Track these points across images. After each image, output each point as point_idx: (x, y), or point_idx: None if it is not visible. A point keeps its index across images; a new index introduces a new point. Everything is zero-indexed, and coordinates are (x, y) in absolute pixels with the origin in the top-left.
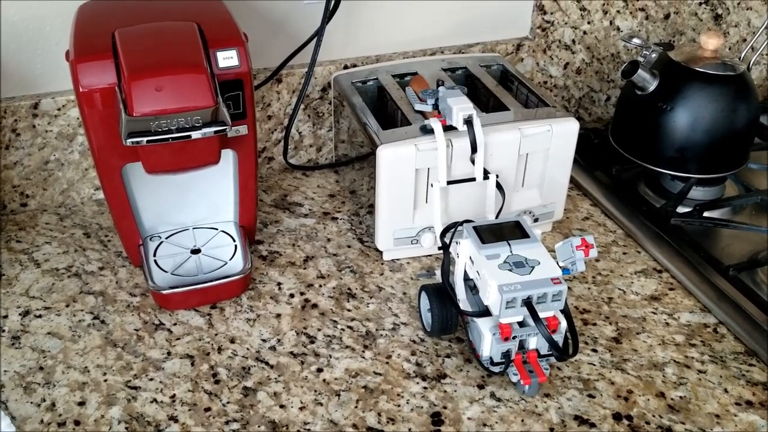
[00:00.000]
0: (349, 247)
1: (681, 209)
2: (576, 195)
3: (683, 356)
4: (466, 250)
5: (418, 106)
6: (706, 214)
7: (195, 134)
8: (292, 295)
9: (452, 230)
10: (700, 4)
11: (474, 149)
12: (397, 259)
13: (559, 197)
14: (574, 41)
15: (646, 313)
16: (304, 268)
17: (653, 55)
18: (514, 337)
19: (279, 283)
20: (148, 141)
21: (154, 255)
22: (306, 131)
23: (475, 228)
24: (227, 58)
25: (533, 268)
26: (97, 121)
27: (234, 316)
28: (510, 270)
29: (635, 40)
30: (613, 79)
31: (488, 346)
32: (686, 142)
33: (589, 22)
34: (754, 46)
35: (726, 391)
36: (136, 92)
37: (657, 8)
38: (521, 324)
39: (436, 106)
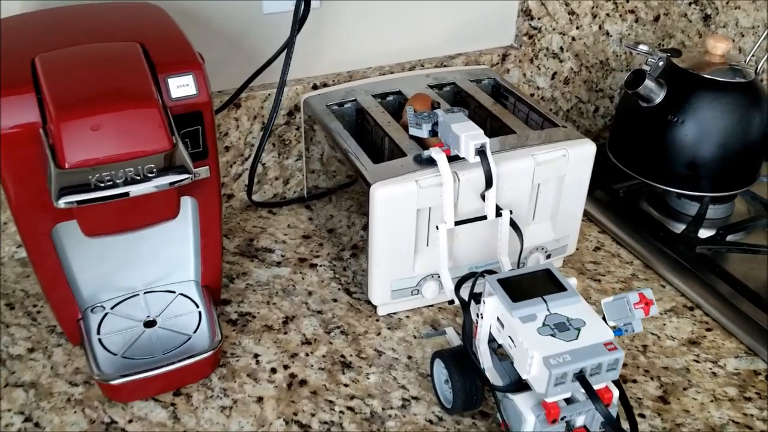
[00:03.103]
0: (335, 300)
1: (702, 233)
2: (582, 221)
3: (741, 414)
4: (493, 310)
5: (413, 131)
6: (729, 237)
7: (148, 188)
8: (273, 370)
9: (470, 282)
10: (690, 4)
11: (489, 184)
12: (395, 313)
13: (573, 230)
14: (562, 48)
15: (689, 362)
16: (285, 333)
17: (660, 63)
18: (562, 418)
19: (256, 355)
20: (82, 202)
21: (98, 332)
22: (270, 162)
23: (500, 282)
24: (182, 86)
25: (579, 330)
26: (15, 173)
27: (204, 405)
28: (552, 335)
29: (642, 47)
30: (602, 88)
31: (531, 429)
32: (700, 158)
33: (577, 27)
34: (756, 52)
35: None
36: (67, 136)
37: (647, 10)
38: (568, 401)
39: (433, 133)
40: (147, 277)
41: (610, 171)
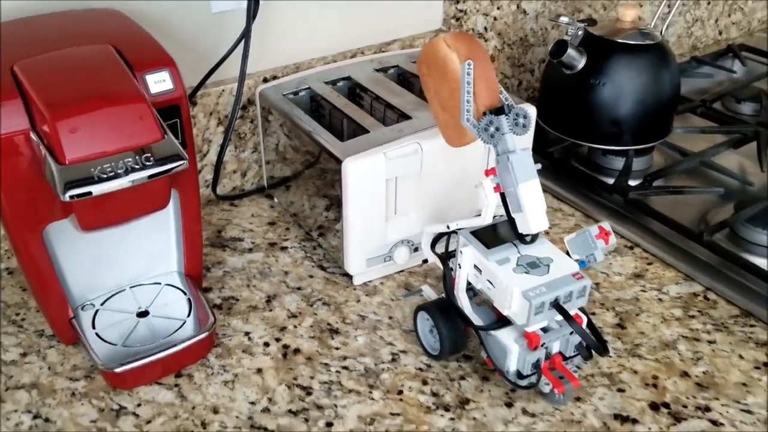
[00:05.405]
0: (311, 277)
1: (631, 182)
2: None
3: (688, 330)
4: (469, 258)
5: (468, 123)
6: (655, 183)
7: (151, 174)
8: (266, 344)
9: (443, 240)
10: None
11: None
12: (370, 281)
13: None
14: (486, 28)
15: (637, 293)
16: (270, 310)
17: (579, 33)
18: (542, 345)
19: (247, 333)
20: (89, 193)
21: (93, 327)
22: (228, 156)
23: (473, 233)
24: (159, 82)
25: (548, 266)
26: (8, 177)
27: (207, 382)
28: (526, 273)
29: (563, 19)
30: (523, 63)
31: (516, 359)
32: (622, 115)
33: (498, 8)
34: (662, 16)
35: (741, 357)
36: (64, 135)
37: None
38: (544, 330)
39: (489, 134)
40: (131, 272)
41: (540, 137)
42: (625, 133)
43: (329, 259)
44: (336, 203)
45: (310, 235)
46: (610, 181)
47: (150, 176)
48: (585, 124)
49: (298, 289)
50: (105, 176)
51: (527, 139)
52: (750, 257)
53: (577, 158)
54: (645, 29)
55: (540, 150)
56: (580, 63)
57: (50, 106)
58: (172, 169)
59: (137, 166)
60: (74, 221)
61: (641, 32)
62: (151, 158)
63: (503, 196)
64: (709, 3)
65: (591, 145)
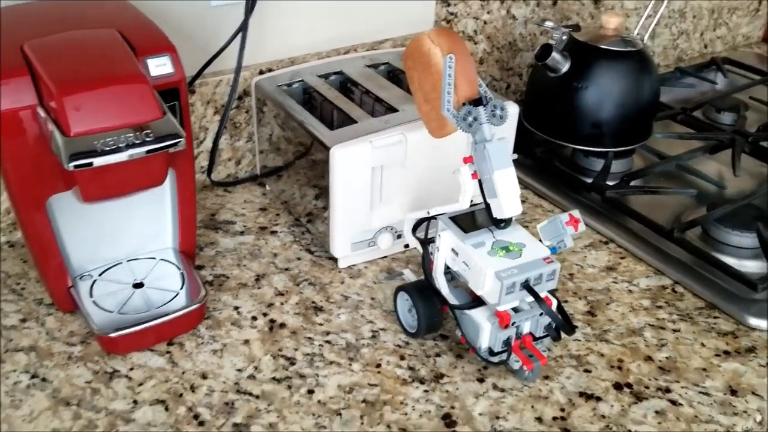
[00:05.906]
0: (299, 259)
1: (609, 182)
2: None
3: (655, 319)
4: (447, 242)
5: (448, 113)
6: (632, 183)
7: (151, 149)
8: (254, 318)
9: (424, 225)
10: None
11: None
12: (354, 265)
13: None
14: (476, 31)
15: (608, 284)
16: (259, 288)
17: (564, 38)
18: (513, 324)
19: (236, 307)
20: (91, 163)
21: (91, 295)
22: (223, 144)
23: (451, 218)
24: (160, 66)
25: (521, 250)
26: (16, 149)
27: (197, 350)
28: (500, 256)
29: (547, 23)
30: (511, 67)
31: (488, 336)
32: (602, 118)
33: (488, 12)
34: (645, 25)
35: (703, 345)
36: (70, 109)
37: None
38: (515, 310)
39: (467, 124)
40: (127, 247)
41: (526, 138)
42: (606, 135)
43: (317, 243)
44: (324, 192)
45: (299, 222)
46: (590, 180)
47: (148, 151)
48: (567, 126)
49: (286, 269)
50: (107, 149)
51: (508, 133)
52: (718, 255)
53: (560, 159)
54: (627, 37)
55: (524, 150)
56: (564, 67)
57: (58, 83)
58: (170, 145)
59: (137, 142)
60: (77, 193)
61: (624, 39)
62: (151, 135)
63: (480, 183)
64: (694, 17)
65: (573, 146)
